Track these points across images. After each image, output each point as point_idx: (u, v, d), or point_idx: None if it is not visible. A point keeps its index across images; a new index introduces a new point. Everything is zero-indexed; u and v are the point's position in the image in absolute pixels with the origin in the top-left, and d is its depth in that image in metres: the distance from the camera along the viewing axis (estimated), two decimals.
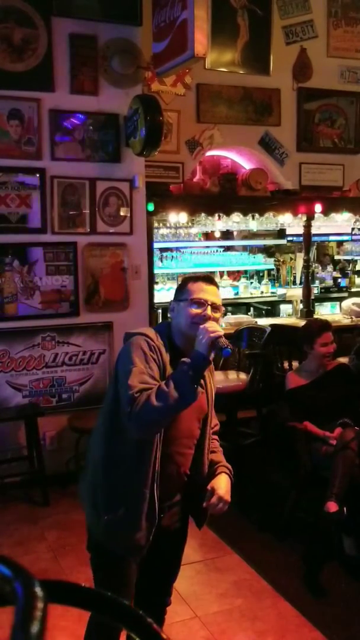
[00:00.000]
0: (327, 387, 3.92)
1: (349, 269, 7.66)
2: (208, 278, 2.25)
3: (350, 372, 4.14)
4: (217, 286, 2.25)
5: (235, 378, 5.01)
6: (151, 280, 5.26)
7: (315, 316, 6.07)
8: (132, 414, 1.93)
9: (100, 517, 2.10)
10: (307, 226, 6.04)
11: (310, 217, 5.97)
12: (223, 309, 2.22)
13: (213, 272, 6.92)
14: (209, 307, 2.11)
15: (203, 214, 5.84)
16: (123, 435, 2.05)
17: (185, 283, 2.22)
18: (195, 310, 2.11)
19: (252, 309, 6.82)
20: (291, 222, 6.33)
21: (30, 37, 4.35)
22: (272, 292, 6.94)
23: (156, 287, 5.98)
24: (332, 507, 3.33)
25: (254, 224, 6.33)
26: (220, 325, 2.12)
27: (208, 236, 7.29)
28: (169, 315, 2.25)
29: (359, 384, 4.06)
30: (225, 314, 6.30)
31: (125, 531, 2.07)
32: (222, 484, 2.20)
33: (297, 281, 7.13)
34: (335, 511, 3.30)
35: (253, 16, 5.61)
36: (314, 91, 6.11)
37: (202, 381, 2.05)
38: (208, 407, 2.24)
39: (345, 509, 3.33)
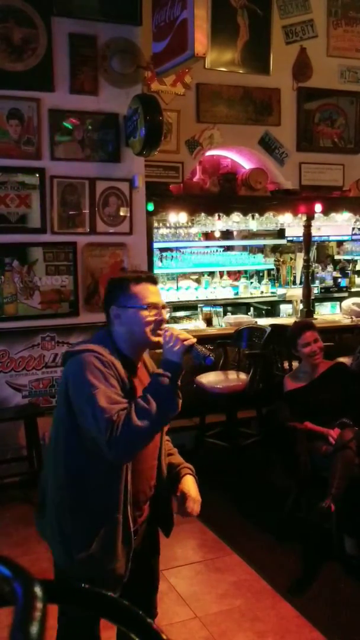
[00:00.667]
0: (324, 388, 3.91)
1: (349, 268, 7.65)
2: (151, 278, 2.09)
3: (347, 371, 4.13)
4: (158, 282, 2.13)
5: (235, 378, 5.00)
6: None
7: (315, 316, 6.07)
8: (113, 439, 1.77)
9: (72, 555, 1.92)
10: (307, 226, 6.04)
11: (310, 217, 5.96)
12: (167, 307, 2.12)
13: (213, 272, 6.93)
14: (162, 310, 2.02)
15: (203, 214, 5.84)
16: (89, 459, 1.90)
17: (126, 286, 2.02)
18: (151, 317, 1.98)
19: (252, 309, 6.82)
20: (291, 222, 6.32)
21: (30, 36, 4.35)
22: (272, 292, 6.94)
23: None
24: (325, 504, 3.33)
25: (254, 224, 6.33)
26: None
27: (208, 236, 7.29)
28: (113, 322, 2.03)
29: (358, 383, 4.06)
30: (225, 314, 6.31)
31: (102, 564, 1.91)
32: (191, 486, 2.12)
33: (297, 281, 7.12)
34: (324, 506, 3.30)
35: (253, 16, 5.61)
36: (314, 91, 6.11)
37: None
38: None
39: (332, 505, 3.32)
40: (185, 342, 1.91)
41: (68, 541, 1.94)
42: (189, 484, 2.13)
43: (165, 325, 2.00)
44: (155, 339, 1.99)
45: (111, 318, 2.03)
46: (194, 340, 1.95)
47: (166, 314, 2.05)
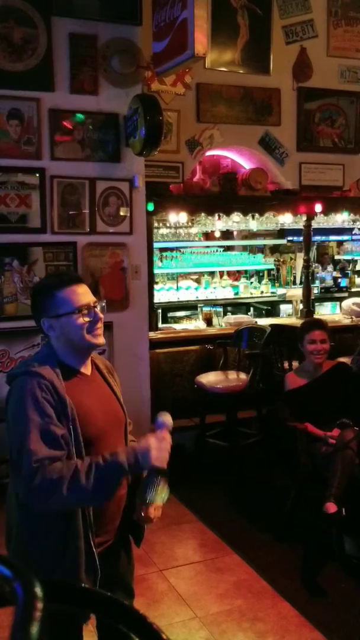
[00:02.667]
0: (325, 387, 3.91)
1: (349, 268, 7.66)
2: (75, 278, 1.98)
3: (348, 372, 4.14)
4: (83, 280, 2.01)
5: (235, 378, 5.00)
6: (151, 280, 5.25)
7: (315, 316, 6.07)
8: (33, 490, 1.68)
9: None
10: (307, 226, 6.04)
11: (310, 217, 5.96)
12: (103, 302, 2.01)
13: (213, 272, 6.92)
14: (95, 309, 1.93)
15: (203, 214, 5.84)
16: None
17: (50, 294, 1.91)
18: (86, 319, 1.89)
19: (252, 309, 6.81)
20: (291, 222, 6.32)
21: (30, 36, 4.35)
22: (272, 292, 6.94)
23: (156, 287, 5.98)
24: (330, 507, 3.32)
25: (254, 224, 6.33)
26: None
27: (208, 236, 7.29)
28: (48, 334, 1.95)
29: (358, 384, 4.06)
30: (225, 314, 6.30)
31: None
32: None
33: (297, 281, 7.12)
34: (335, 512, 3.30)
35: (253, 16, 5.61)
36: (314, 91, 6.11)
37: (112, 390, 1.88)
38: (123, 412, 2.04)
39: (344, 509, 3.33)
40: (162, 464, 1.80)
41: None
42: None
43: (168, 426, 1.88)
44: (96, 340, 1.91)
45: (45, 331, 1.94)
46: (165, 468, 1.82)
47: (101, 312, 1.95)
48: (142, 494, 1.82)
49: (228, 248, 7.38)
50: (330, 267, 7.63)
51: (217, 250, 7.07)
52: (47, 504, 1.72)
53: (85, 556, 1.83)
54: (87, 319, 1.90)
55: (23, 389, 1.80)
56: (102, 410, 1.94)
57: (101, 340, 1.93)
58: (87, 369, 1.98)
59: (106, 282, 4.75)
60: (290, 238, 7.28)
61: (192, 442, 5.15)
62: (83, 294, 1.92)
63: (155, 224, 5.74)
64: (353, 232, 7.42)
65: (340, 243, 7.98)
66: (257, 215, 6.03)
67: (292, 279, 7.28)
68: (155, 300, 5.59)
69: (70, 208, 4.60)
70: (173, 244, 6.71)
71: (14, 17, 4.30)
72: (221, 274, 6.94)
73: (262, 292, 6.89)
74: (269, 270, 7.19)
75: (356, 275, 7.54)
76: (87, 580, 1.84)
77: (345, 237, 7.70)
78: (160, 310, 5.93)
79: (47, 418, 1.76)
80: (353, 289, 7.15)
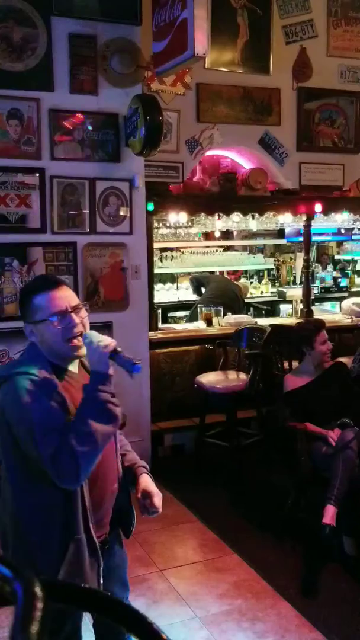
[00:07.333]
0: (325, 387, 3.91)
1: (349, 268, 7.66)
2: (52, 282, 1.94)
3: (346, 371, 4.13)
4: (64, 282, 1.97)
5: (235, 378, 5.00)
6: (151, 280, 5.25)
7: (315, 316, 6.07)
8: (63, 471, 1.72)
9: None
10: (307, 226, 6.04)
11: (310, 217, 5.96)
12: (85, 304, 1.96)
13: (213, 272, 6.93)
14: (72, 314, 1.88)
15: (203, 214, 5.84)
16: (37, 484, 1.81)
17: (28, 299, 1.90)
18: (60, 325, 1.86)
19: (252, 309, 6.82)
20: (291, 222, 6.32)
21: (30, 36, 4.34)
22: (272, 292, 6.94)
23: (156, 287, 5.98)
24: (329, 512, 3.32)
25: (254, 223, 6.33)
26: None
27: (208, 236, 7.30)
28: (30, 338, 1.94)
29: (358, 383, 4.06)
30: (225, 314, 6.30)
31: None
32: (151, 486, 2.04)
33: (297, 281, 7.13)
34: (328, 525, 3.30)
35: (253, 15, 5.61)
36: (314, 91, 6.11)
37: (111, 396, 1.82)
38: None
39: (333, 525, 3.33)
40: (105, 350, 1.80)
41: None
42: (148, 482, 2.05)
43: (88, 332, 1.88)
44: (74, 352, 1.89)
45: (27, 335, 1.93)
46: (114, 344, 1.83)
47: (78, 317, 1.90)
48: (129, 370, 1.81)
49: (228, 248, 7.39)
50: (330, 267, 7.63)
51: (217, 250, 7.08)
52: (79, 472, 1.73)
53: (88, 548, 1.85)
54: (60, 326, 1.86)
55: (17, 389, 1.78)
56: None
57: (81, 352, 1.89)
58: (74, 367, 1.98)
59: (106, 282, 4.75)
60: (290, 238, 7.28)
61: (192, 442, 5.15)
62: (60, 299, 1.88)
63: (155, 224, 5.75)
64: (353, 232, 7.42)
65: (340, 243, 7.99)
66: (257, 215, 6.03)
67: (292, 279, 7.29)
68: (155, 300, 5.59)
69: (70, 208, 4.60)
70: (173, 244, 6.72)
71: (14, 17, 4.30)
72: (221, 274, 6.95)
73: (262, 292, 6.90)
74: (269, 270, 7.20)
75: (356, 275, 7.55)
76: (90, 570, 1.86)
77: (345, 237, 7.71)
78: (160, 310, 5.93)
79: (46, 407, 1.77)
80: (353, 289, 7.16)
